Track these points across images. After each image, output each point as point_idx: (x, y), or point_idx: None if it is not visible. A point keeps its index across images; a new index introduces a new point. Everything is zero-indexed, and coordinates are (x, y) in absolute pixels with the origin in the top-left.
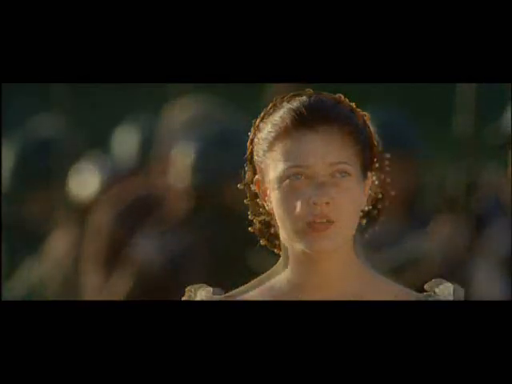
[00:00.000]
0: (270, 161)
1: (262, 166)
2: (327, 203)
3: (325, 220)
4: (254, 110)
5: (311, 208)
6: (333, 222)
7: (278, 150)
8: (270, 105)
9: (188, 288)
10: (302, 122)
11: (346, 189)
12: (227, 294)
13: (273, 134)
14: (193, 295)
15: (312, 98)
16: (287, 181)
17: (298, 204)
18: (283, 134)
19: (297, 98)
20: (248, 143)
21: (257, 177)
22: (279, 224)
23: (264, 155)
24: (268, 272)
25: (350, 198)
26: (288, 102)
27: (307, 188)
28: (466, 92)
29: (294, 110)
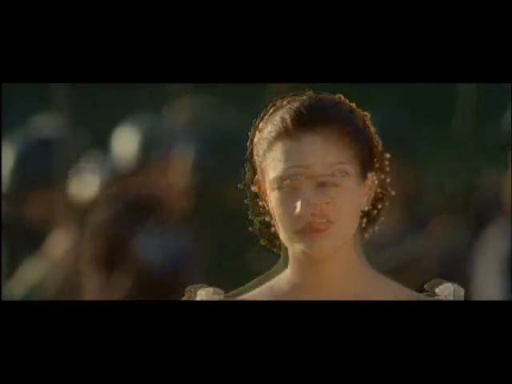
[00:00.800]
0: (269, 161)
1: (262, 165)
2: (327, 203)
3: (325, 220)
4: (254, 110)
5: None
6: (333, 222)
7: (278, 150)
8: (270, 105)
9: (188, 288)
10: (302, 122)
11: (346, 189)
12: (227, 294)
13: (273, 134)
14: (193, 295)
15: (312, 99)
16: (287, 181)
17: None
18: (283, 134)
19: (297, 99)
20: (248, 143)
21: (257, 177)
22: (279, 224)
23: (264, 155)
24: (268, 272)
25: (350, 198)
26: (288, 102)
27: (307, 188)
28: (466, 92)
29: (294, 111)
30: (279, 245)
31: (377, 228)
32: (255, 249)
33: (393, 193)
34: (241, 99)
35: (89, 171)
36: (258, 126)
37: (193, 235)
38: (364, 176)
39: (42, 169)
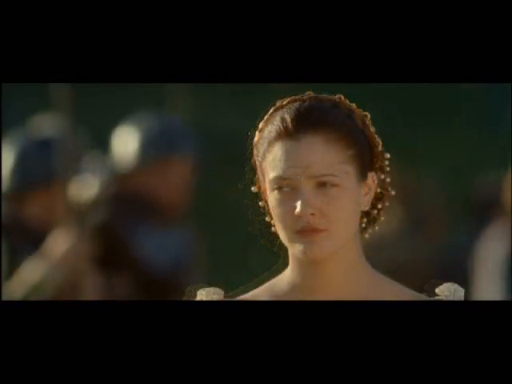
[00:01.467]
0: (269, 161)
1: (262, 166)
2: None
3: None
4: (254, 111)
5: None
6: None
7: (278, 150)
8: (271, 106)
9: (188, 288)
10: (302, 122)
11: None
12: (227, 294)
13: (273, 134)
14: (193, 295)
15: (312, 99)
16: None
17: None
18: (283, 134)
19: (297, 99)
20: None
21: (257, 177)
22: (279, 224)
23: (264, 155)
24: (268, 272)
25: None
26: (288, 102)
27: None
28: (464, 92)
29: (293, 111)
30: (279, 245)
31: (377, 228)
32: (255, 249)
33: (393, 193)
34: (241, 99)
35: (89, 171)
36: (258, 127)
37: (193, 235)
38: (364, 176)
39: (42, 169)
